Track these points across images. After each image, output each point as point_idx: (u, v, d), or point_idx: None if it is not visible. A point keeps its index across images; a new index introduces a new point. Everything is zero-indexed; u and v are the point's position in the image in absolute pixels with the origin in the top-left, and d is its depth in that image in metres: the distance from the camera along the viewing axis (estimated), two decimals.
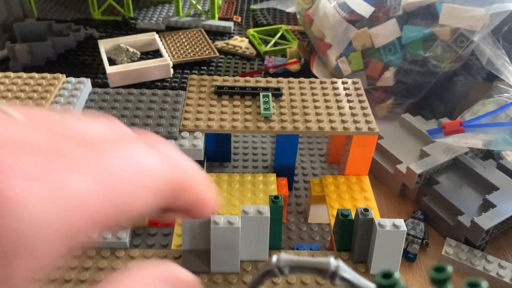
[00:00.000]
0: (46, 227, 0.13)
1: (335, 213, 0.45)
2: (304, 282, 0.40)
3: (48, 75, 0.52)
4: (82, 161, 0.14)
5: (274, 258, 0.21)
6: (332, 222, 0.45)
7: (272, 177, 0.50)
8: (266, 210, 0.40)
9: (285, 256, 0.21)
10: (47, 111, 0.19)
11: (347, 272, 0.20)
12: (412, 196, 0.59)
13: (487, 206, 0.52)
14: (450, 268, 0.16)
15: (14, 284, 0.13)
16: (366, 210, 0.40)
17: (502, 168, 0.58)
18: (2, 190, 0.12)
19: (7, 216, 0.12)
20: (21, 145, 0.14)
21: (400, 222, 0.40)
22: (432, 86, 0.66)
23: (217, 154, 0.59)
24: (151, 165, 0.17)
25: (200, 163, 0.48)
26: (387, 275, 0.16)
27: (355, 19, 0.66)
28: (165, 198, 0.17)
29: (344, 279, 0.20)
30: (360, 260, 0.42)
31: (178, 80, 0.74)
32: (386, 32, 0.64)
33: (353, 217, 0.42)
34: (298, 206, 0.55)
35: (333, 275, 0.20)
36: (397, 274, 0.16)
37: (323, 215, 0.52)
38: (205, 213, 0.20)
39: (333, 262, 0.20)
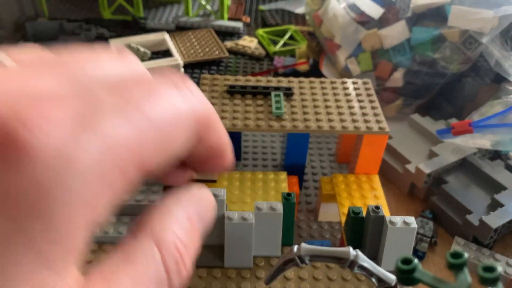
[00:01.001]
0: (97, 176, 0.13)
1: (345, 211, 0.46)
2: (316, 277, 0.41)
3: None
4: (118, 107, 0.14)
5: (295, 247, 0.22)
6: (343, 220, 0.46)
7: (283, 175, 0.51)
8: (279, 206, 0.41)
9: (306, 246, 0.22)
10: (49, 53, 0.16)
11: (366, 261, 0.21)
12: (420, 195, 0.59)
13: (495, 205, 0.53)
14: (466, 254, 0.16)
15: (73, 237, 0.13)
16: (377, 207, 0.41)
17: (510, 168, 0.58)
18: (49, 147, 0.12)
19: (61, 171, 0.12)
20: (46, 96, 0.13)
21: (411, 219, 0.40)
22: (440, 87, 0.66)
23: None
24: (183, 105, 0.16)
25: None
26: (407, 261, 0.17)
27: (364, 20, 0.67)
28: (194, 137, 0.17)
29: (363, 268, 0.20)
30: (371, 256, 0.42)
31: None
32: (395, 33, 0.65)
33: (364, 215, 0.43)
34: (308, 205, 0.56)
35: (352, 263, 0.21)
36: (416, 260, 0.17)
37: (333, 213, 0.52)
38: (223, 163, 0.20)
39: (352, 251, 0.21)
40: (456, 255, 0.16)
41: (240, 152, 0.60)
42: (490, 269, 0.16)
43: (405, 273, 0.17)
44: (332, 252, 0.20)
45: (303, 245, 0.21)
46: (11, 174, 0.11)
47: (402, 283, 0.18)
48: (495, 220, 0.50)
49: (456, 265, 0.16)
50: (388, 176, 0.62)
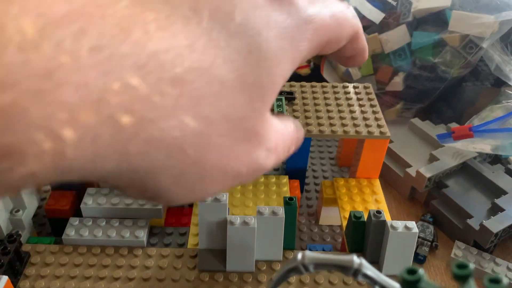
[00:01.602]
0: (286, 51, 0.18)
1: (347, 215, 0.46)
2: (317, 281, 0.41)
3: None
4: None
5: (299, 255, 0.22)
6: (344, 224, 0.46)
7: (285, 179, 0.51)
8: (281, 211, 0.41)
9: (310, 254, 0.22)
10: None
11: (370, 269, 0.21)
12: (421, 199, 0.60)
13: (495, 210, 0.53)
14: (472, 265, 0.17)
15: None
16: (378, 212, 0.41)
17: (510, 172, 0.59)
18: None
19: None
20: None
21: (412, 224, 0.41)
22: (440, 91, 0.67)
23: None
24: (350, 15, 0.22)
25: None
26: (412, 271, 0.17)
27: (365, 25, 0.67)
28: (348, 40, 0.22)
29: (367, 276, 0.21)
30: (372, 261, 0.43)
31: None
32: (396, 37, 0.65)
33: (365, 219, 0.43)
34: (309, 208, 0.56)
35: (356, 272, 0.21)
36: (421, 271, 0.17)
37: (334, 216, 0.53)
38: (362, 60, 0.26)
39: (356, 259, 0.21)
40: (462, 266, 0.16)
41: None
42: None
43: (410, 284, 0.17)
44: (336, 260, 0.20)
45: (307, 253, 0.21)
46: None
47: None
48: (496, 224, 0.50)
49: (461, 276, 0.16)
50: (388, 180, 0.62)
